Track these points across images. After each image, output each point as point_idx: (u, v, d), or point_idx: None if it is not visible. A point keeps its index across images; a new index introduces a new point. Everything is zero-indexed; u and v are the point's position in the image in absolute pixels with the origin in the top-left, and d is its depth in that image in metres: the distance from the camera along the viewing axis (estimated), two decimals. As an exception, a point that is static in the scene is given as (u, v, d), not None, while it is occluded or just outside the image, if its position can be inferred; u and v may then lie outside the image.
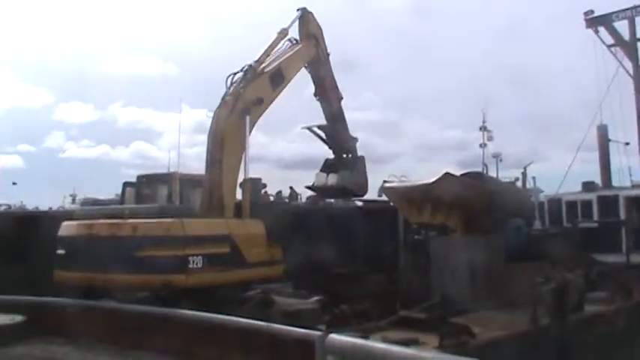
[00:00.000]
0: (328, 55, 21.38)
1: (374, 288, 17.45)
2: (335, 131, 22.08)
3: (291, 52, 19.52)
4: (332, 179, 22.55)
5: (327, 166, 22.89)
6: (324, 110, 21.78)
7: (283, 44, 19.56)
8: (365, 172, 22.94)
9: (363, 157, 22.99)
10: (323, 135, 22.42)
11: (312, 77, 21.17)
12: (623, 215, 30.91)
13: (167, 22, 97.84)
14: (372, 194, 24.64)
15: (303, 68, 20.47)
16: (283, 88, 18.95)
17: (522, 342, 14.18)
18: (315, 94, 21.63)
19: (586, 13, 40.01)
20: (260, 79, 17.99)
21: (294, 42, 19.97)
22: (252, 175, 18.86)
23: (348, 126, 22.41)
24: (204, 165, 17.37)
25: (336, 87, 21.82)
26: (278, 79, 18.61)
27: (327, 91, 21.47)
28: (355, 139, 22.81)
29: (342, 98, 22.08)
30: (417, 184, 20.00)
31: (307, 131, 22.49)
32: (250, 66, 17.93)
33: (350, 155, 22.78)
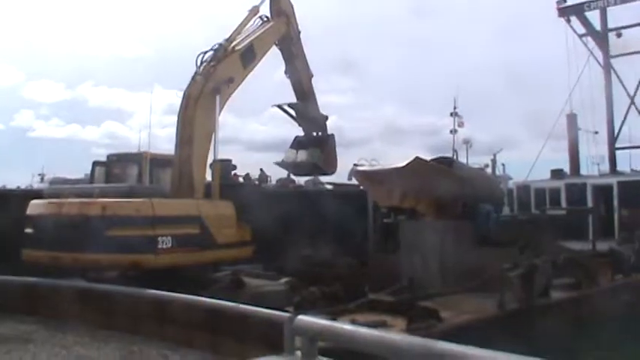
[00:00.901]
0: (299, 32, 21.35)
1: (343, 271, 17.46)
2: (305, 109, 22.09)
3: (262, 30, 19.46)
4: (302, 156, 22.58)
5: (297, 143, 22.92)
6: (294, 88, 21.79)
7: (254, 22, 19.50)
8: (335, 150, 23.01)
9: (333, 135, 23.05)
10: (293, 113, 22.43)
11: (282, 55, 21.12)
12: (590, 203, 31.30)
13: (142, 3, 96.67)
14: (342, 177, 24.69)
15: (274, 46, 20.39)
16: (254, 67, 18.87)
17: (490, 326, 14.29)
18: (286, 72, 21.62)
19: (558, 2, 40.19)
20: (230, 58, 17.91)
21: (265, 19, 19.90)
22: (222, 156, 18.85)
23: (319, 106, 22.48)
24: (173, 146, 17.30)
25: (307, 65, 21.81)
26: (249, 57, 18.53)
27: (297, 69, 21.45)
28: (325, 117, 22.85)
29: (312, 76, 22.09)
30: (388, 168, 20.01)
31: (279, 113, 22.48)
32: (221, 44, 17.87)
33: (320, 133, 22.80)
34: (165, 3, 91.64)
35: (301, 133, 22.93)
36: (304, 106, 22.05)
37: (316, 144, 22.63)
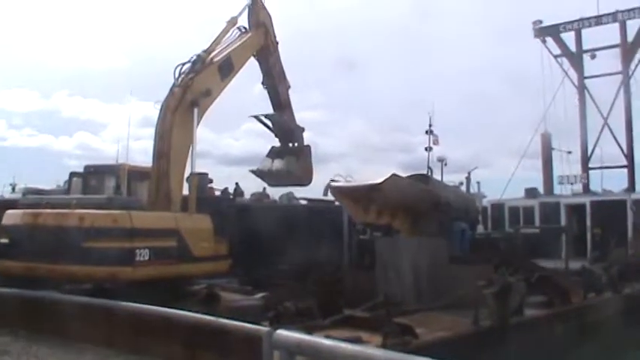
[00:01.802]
0: (277, 43, 21.36)
1: (318, 286, 17.48)
2: (282, 120, 22.16)
3: (240, 41, 19.40)
4: (277, 164, 22.62)
5: (274, 153, 22.97)
6: (271, 99, 21.85)
7: (232, 33, 19.46)
8: (311, 161, 23.08)
9: (309, 147, 23.11)
10: (270, 124, 22.50)
11: (260, 66, 21.12)
12: (563, 222, 31.58)
13: (120, 15, 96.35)
14: (317, 193, 24.73)
15: (252, 58, 20.43)
16: (232, 79, 18.82)
17: (464, 343, 14.37)
18: (263, 83, 21.63)
19: (534, 23, 40.70)
20: (209, 70, 17.84)
21: (244, 30, 19.87)
22: (198, 170, 18.84)
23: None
24: (149, 159, 17.26)
25: (284, 76, 21.87)
26: (227, 69, 18.48)
27: (275, 80, 21.49)
28: (302, 129, 22.90)
29: (289, 87, 22.17)
30: (364, 184, 20.09)
31: (253, 128, 22.67)
32: (199, 56, 17.78)
33: (296, 144, 22.88)
34: (141, 15, 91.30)
35: (277, 145, 23.02)
36: (281, 116, 22.11)
37: (292, 154, 22.71)
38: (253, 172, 23.39)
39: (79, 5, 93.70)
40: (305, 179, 23.26)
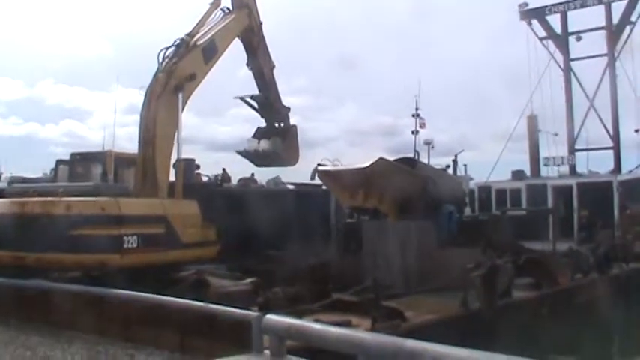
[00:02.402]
0: (261, 24, 21.31)
1: (306, 271, 17.50)
2: (267, 100, 22.13)
3: (224, 23, 19.33)
4: (264, 145, 22.65)
5: (260, 134, 22.95)
6: (256, 80, 21.86)
7: (216, 14, 19.41)
8: (297, 141, 23.13)
9: (295, 127, 23.16)
10: (255, 105, 22.47)
11: (244, 47, 21.08)
12: (550, 204, 31.70)
13: (105, 1, 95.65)
14: (304, 177, 24.71)
15: (236, 39, 20.36)
16: (216, 61, 18.78)
17: (452, 326, 14.43)
18: (248, 64, 21.62)
19: (520, 6, 40.70)
20: (192, 53, 17.79)
21: (227, 11, 19.79)
22: (185, 156, 18.79)
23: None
24: (135, 145, 17.19)
25: (269, 56, 21.82)
26: (211, 51, 18.43)
27: (259, 61, 21.45)
28: (287, 109, 22.93)
29: (274, 67, 22.12)
30: (351, 168, 20.12)
31: (240, 113, 22.69)
32: (182, 40, 17.73)
33: (282, 124, 22.86)
34: (127, 1, 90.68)
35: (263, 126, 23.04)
36: (266, 97, 22.09)
37: (278, 134, 22.69)
38: (239, 152, 23.38)
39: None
40: (291, 159, 23.28)
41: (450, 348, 6.11)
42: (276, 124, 22.96)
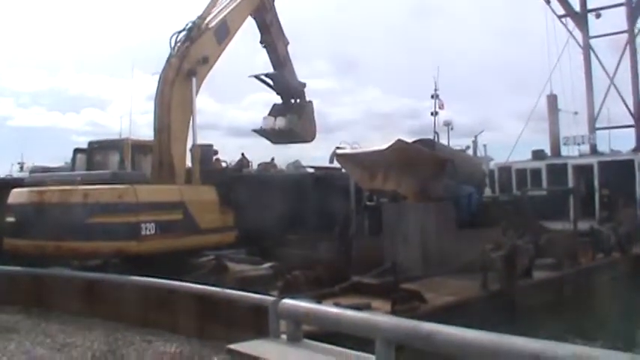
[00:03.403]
0: (273, 0, 21.15)
1: (326, 254, 17.47)
2: (282, 77, 22.04)
3: (236, 3, 19.08)
4: (280, 123, 22.56)
5: (275, 111, 22.87)
6: (270, 57, 21.72)
7: None
8: (313, 117, 23.04)
9: (311, 102, 23.05)
10: (271, 82, 22.38)
11: (257, 25, 20.91)
12: (571, 183, 31.46)
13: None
14: (323, 161, 24.66)
15: (249, 18, 20.17)
16: (229, 42, 18.62)
17: (473, 307, 14.35)
18: (261, 42, 21.46)
19: (538, -17, 40.21)
20: (205, 36, 17.66)
21: None
22: (203, 142, 18.75)
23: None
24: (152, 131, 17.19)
25: (282, 32, 21.66)
26: (223, 32, 18.27)
27: (273, 38, 21.32)
28: (303, 84, 22.79)
29: (288, 43, 21.97)
30: (370, 150, 20.02)
31: (259, 98, 22.63)
32: (194, 23, 17.60)
33: (298, 100, 22.76)
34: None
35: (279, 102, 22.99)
36: (281, 74, 21.98)
37: (294, 111, 22.59)
38: (256, 131, 23.32)
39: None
40: (308, 136, 23.19)
41: (467, 331, 6.06)
42: (292, 101, 22.84)
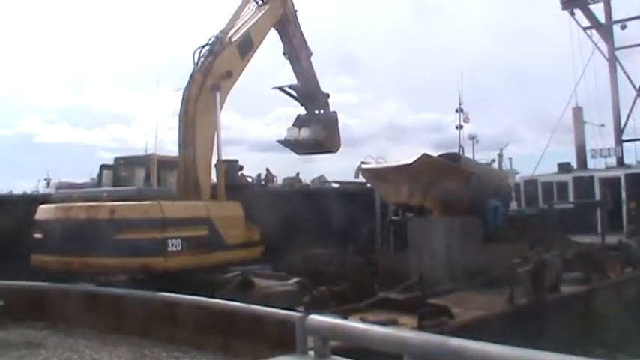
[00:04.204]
0: (295, 11, 21.00)
1: (352, 269, 17.43)
2: (306, 89, 22.00)
3: (258, 16, 18.97)
4: (304, 133, 22.42)
5: (300, 122, 22.85)
6: (293, 69, 21.62)
7: (249, 8, 19.06)
8: (337, 128, 22.88)
9: (335, 113, 22.91)
10: (295, 94, 22.37)
11: (280, 36, 20.77)
12: (598, 196, 31.25)
13: (150, 6, 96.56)
14: (349, 176, 24.65)
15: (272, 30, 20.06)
16: (252, 55, 18.50)
17: (500, 322, 14.27)
18: (284, 53, 21.44)
19: (562, -4, 40.08)
20: (228, 50, 17.57)
21: (261, 3, 19.37)
22: (228, 157, 18.76)
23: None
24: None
25: (305, 44, 21.62)
26: (246, 46, 18.19)
27: (296, 49, 21.29)
28: (327, 95, 22.72)
29: (311, 54, 21.94)
30: (395, 165, 20.01)
31: (285, 113, 22.52)
32: (217, 37, 17.53)
33: (322, 111, 22.74)
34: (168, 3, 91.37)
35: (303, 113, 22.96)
36: (305, 85, 21.97)
37: (318, 121, 22.56)
38: (280, 142, 23.25)
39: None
40: (333, 146, 23.07)
41: (496, 346, 6.00)
42: (316, 112, 22.82)
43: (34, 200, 19.00)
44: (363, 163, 21.45)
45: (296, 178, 31.01)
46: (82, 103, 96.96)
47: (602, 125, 38.55)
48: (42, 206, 15.94)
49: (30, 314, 13.13)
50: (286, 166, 25.08)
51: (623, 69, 38.94)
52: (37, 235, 15.42)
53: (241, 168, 26.20)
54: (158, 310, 11.64)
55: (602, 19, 39.41)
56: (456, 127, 31.27)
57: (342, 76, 76.75)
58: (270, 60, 20.27)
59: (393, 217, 22.47)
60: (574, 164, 37.42)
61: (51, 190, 33.53)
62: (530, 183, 35.29)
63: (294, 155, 23.86)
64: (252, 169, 30.58)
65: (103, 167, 20.32)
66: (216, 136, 17.05)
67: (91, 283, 14.50)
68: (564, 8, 39.92)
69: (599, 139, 38.56)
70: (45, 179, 45.86)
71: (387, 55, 79.57)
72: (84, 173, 36.51)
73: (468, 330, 12.69)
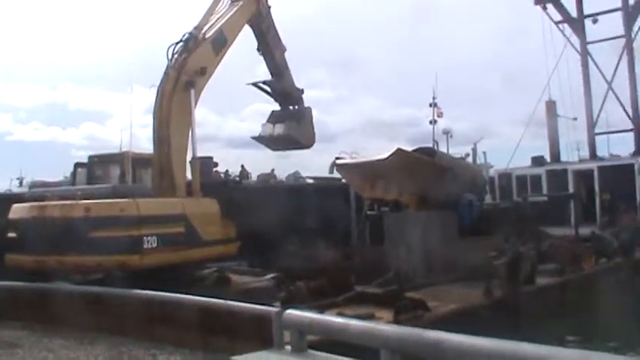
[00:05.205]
0: (269, 7, 21.02)
1: (328, 265, 17.45)
2: (280, 84, 22.00)
3: (232, 12, 19.03)
4: (278, 129, 22.45)
5: (274, 117, 22.84)
6: (267, 64, 21.64)
7: (223, 4, 19.15)
8: (312, 123, 22.96)
9: (309, 108, 22.97)
10: (269, 90, 22.35)
11: (254, 32, 20.79)
12: (571, 189, 31.46)
13: (123, 4, 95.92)
14: (323, 171, 24.65)
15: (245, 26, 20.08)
16: (226, 52, 18.59)
17: (476, 315, 14.34)
18: (258, 49, 21.41)
19: (534, -10, 40.25)
20: (202, 47, 17.65)
21: (234, 0, 19.43)
22: (202, 154, 18.72)
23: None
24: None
25: (279, 39, 21.62)
26: (220, 42, 18.26)
27: (270, 45, 21.28)
28: (301, 90, 22.75)
29: (285, 50, 21.93)
30: (370, 160, 20.02)
31: (259, 109, 22.48)
32: (190, 34, 17.55)
33: (296, 107, 22.75)
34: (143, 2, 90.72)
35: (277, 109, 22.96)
36: (279, 81, 21.95)
37: (293, 117, 22.56)
38: (255, 138, 23.23)
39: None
40: (307, 141, 23.09)
41: (471, 338, 6.05)
42: (291, 107, 22.82)
43: (6, 199, 18.86)
44: (337, 158, 21.45)
45: (271, 175, 30.99)
46: (56, 102, 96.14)
47: (575, 118, 38.80)
48: (15, 205, 15.85)
49: (6, 314, 13.05)
50: (261, 162, 25.01)
51: (595, 63, 39.22)
52: (11, 235, 15.33)
53: (216, 165, 26.16)
54: (135, 307, 11.61)
55: (574, 13, 39.65)
56: (430, 122, 31.33)
57: (317, 72, 76.69)
58: (245, 55, 20.20)
59: (369, 212, 22.51)
60: (548, 157, 37.64)
61: (24, 189, 33.21)
62: (505, 176, 35.42)
63: (269, 151, 23.89)
64: (227, 165, 30.53)
65: (77, 165, 20.17)
66: (190, 133, 17.02)
67: (67, 282, 14.45)
68: (536, 3, 40.08)
69: (572, 132, 38.84)
70: (17, 178, 45.41)
71: (362, 49, 79.41)
72: (58, 172, 36.26)
73: (445, 323, 12.73)
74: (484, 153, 35.05)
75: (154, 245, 14.37)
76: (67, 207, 14.70)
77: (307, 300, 14.12)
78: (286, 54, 22.05)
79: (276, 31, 21.46)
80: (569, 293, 18.39)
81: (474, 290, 15.83)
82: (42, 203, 15.35)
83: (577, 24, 39.24)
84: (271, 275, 16.94)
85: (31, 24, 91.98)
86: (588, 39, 39.16)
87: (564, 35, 39.62)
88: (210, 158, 24.37)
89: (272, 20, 21.26)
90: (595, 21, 38.91)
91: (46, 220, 14.75)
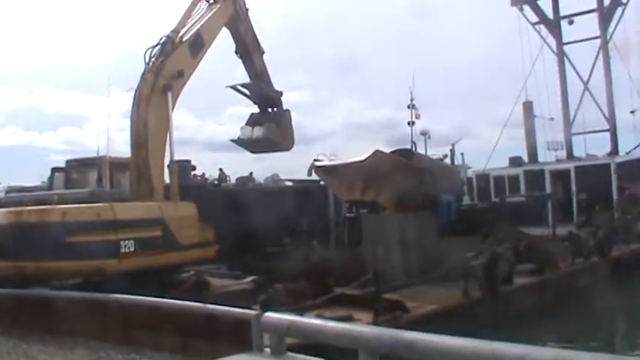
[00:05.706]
0: (247, 10, 21.01)
1: (307, 267, 17.46)
2: (259, 87, 21.99)
3: (210, 14, 18.97)
4: (257, 132, 22.42)
5: (253, 120, 22.82)
6: (246, 67, 21.61)
7: (200, 6, 19.06)
8: (291, 125, 22.98)
9: (288, 111, 22.98)
10: (247, 92, 22.33)
11: (232, 35, 20.81)
12: (549, 189, 31.69)
13: (103, 8, 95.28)
14: (301, 174, 24.64)
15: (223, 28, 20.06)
16: (204, 54, 18.56)
17: (455, 315, 14.40)
18: (237, 52, 21.40)
19: (511, -8, 40.50)
20: (179, 50, 17.58)
21: (212, 2, 19.35)
22: (181, 157, 18.67)
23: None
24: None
25: (257, 42, 21.60)
26: (198, 45, 18.21)
27: (248, 48, 21.25)
28: (279, 93, 22.76)
29: (263, 53, 21.92)
30: (348, 162, 20.09)
31: (238, 112, 22.48)
32: (168, 37, 17.50)
33: (275, 109, 22.75)
34: (126, 6, 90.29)
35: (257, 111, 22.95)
36: (257, 84, 21.93)
37: (272, 120, 22.56)
38: (234, 141, 23.19)
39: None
40: (286, 144, 23.09)
41: (449, 338, 6.08)
42: (270, 110, 22.82)
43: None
44: (315, 160, 21.48)
45: (249, 177, 30.91)
46: (33, 106, 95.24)
47: (552, 119, 39.11)
48: (-10, 211, 15.73)
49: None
50: (239, 165, 24.95)
51: (571, 63, 39.54)
52: (-11, 241, 15.21)
53: (194, 168, 26.09)
54: (114, 312, 11.55)
55: (550, 14, 39.93)
56: (408, 124, 31.36)
57: (297, 75, 76.63)
58: (225, 59, 20.13)
59: (347, 214, 22.56)
60: (525, 158, 37.87)
61: (1, 195, 32.94)
62: (483, 177, 35.65)
63: (247, 154, 23.87)
64: (205, 169, 30.44)
65: (54, 170, 20.07)
66: (168, 137, 16.97)
67: (46, 287, 14.36)
68: (513, 4, 40.41)
69: (550, 132, 39.11)
70: (-7, 183, 44.97)
71: (341, 51, 79.43)
72: (35, 176, 35.99)
73: (423, 324, 12.79)
74: (462, 154, 35.18)
75: (132, 249, 14.33)
76: (44, 212, 14.62)
77: (287, 302, 14.12)
78: (265, 56, 22.06)
79: (254, 33, 21.43)
80: (547, 293, 18.52)
81: (452, 291, 15.92)
82: (18, 208, 15.26)
83: (553, 25, 39.55)
84: (250, 278, 16.93)
85: (9, 26, 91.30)
86: (565, 40, 39.47)
87: (541, 36, 39.98)
88: (189, 161, 24.30)
89: (250, 23, 21.23)
90: (571, 22, 39.33)
91: (23, 225, 14.65)
